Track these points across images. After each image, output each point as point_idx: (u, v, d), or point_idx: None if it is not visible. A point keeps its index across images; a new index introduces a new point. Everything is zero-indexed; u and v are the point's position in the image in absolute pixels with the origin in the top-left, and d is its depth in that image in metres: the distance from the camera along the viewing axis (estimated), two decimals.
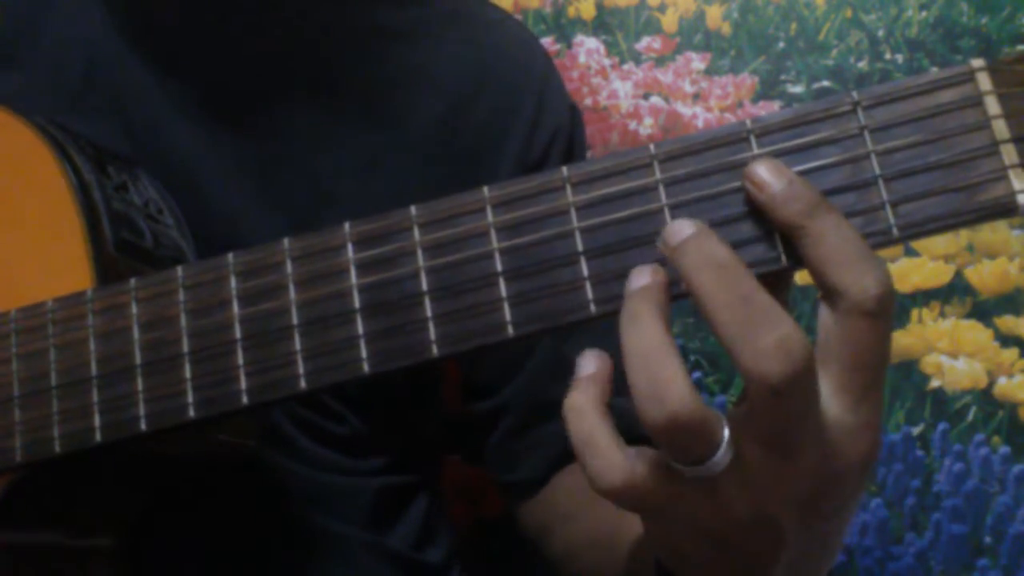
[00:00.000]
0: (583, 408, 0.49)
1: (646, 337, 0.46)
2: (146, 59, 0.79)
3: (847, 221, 0.48)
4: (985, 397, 1.27)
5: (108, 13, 0.80)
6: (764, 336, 0.44)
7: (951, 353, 1.28)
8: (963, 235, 1.29)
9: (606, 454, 0.48)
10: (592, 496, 0.79)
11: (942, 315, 1.28)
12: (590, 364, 0.50)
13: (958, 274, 1.28)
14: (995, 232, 1.29)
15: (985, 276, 1.28)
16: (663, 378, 0.45)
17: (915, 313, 1.28)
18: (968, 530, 1.24)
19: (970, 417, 1.27)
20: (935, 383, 1.27)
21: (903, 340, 1.28)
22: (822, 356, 0.48)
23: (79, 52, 0.79)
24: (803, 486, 0.48)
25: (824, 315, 0.48)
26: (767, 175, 0.48)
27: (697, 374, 1.29)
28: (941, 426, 1.27)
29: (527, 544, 0.89)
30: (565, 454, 0.84)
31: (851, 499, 0.50)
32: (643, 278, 0.48)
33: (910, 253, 1.29)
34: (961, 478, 1.26)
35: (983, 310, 1.28)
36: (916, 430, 1.27)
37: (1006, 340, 1.27)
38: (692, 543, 0.50)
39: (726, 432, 0.46)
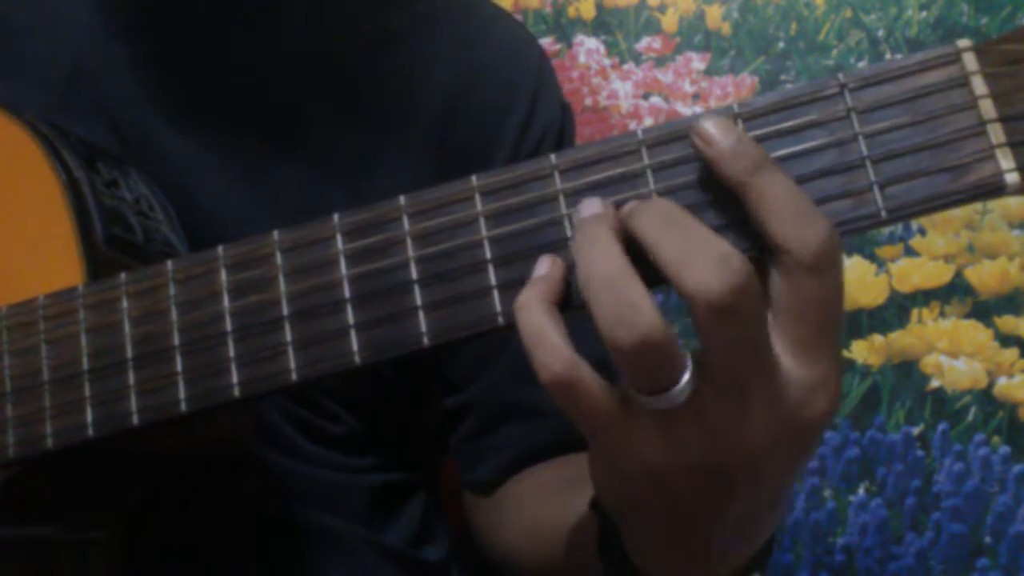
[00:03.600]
0: (529, 303, 0.49)
1: (607, 260, 0.46)
2: (135, 60, 0.79)
3: (791, 180, 0.48)
4: (985, 397, 1.26)
5: (97, 14, 0.79)
6: (704, 255, 0.45)
7: (951, 353, 1.27)
8: (963, 235, 1.29)
9: (551, 346, 0.47)
10: (542, 497, 0.80)
11: (942, 315, 1.28)
12: (543, 266, 0.50)
13: (958, 274, 1.28)
14: (995, 232, 1.29)
15: (985, 276, 1.28)
16: (630, 300, 0.45)
17: (915, 313, 1.28)
18: (968, 530, 1.24)
19: (970, 417, 1.26)
20: (935, 383, 1.27)
21: (903, 340, 1.28)
22: (773, 312, 0.48)
23: (66, 53, 0.79)
24: (759, 439, 0.47)
25: (772, 272, 0.48)
26: (715, 131, 0.48)
27: None
28: (941, 426, 1.27)
29: None
30: (521, 458, 0.84)
31: (802, 460, 0.50)
32: (595, 207, 0.49)
33: (910, 253, 1.29)
34: (961, 478, 1.25)
35: (983, 310, 1.28)
36: (916, 430, 1.27)
37: (1006, 340, 1.27)
38: (640, 486, 0.50)
39: (690, 362, 0.46)
